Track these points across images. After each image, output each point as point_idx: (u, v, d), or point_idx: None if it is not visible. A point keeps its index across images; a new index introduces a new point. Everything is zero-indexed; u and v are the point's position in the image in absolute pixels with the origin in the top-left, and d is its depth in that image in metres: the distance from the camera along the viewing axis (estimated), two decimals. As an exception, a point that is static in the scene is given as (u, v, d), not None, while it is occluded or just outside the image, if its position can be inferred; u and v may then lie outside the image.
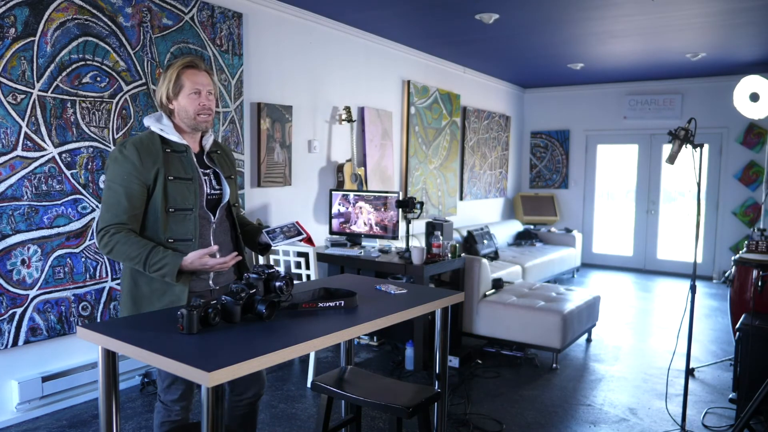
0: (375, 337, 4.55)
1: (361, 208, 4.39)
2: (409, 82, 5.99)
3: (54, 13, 3.09)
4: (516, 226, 7.98)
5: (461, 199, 7.29)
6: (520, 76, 7.73)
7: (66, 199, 3.20)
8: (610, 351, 4.57)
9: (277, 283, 1.80)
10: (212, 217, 2.09)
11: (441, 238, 4.22)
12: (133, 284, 2.02)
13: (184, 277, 1.96)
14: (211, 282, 2.10)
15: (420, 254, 3.89)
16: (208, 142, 2.15)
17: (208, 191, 2.09)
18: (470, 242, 6.25)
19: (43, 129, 3.08)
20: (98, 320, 3.38)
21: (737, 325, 3.27)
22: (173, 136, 2.03)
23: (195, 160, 2.07)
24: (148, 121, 2.06)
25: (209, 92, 2.05)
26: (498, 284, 4.68)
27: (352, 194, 4.44)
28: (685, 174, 7.70)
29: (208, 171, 2.11)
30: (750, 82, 4.76)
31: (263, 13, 4.35)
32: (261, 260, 3.79)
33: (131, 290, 2.02)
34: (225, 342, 1.54)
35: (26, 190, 3.03)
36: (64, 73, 3.15)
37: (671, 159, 3.12)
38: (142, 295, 2.00)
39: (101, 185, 3.35)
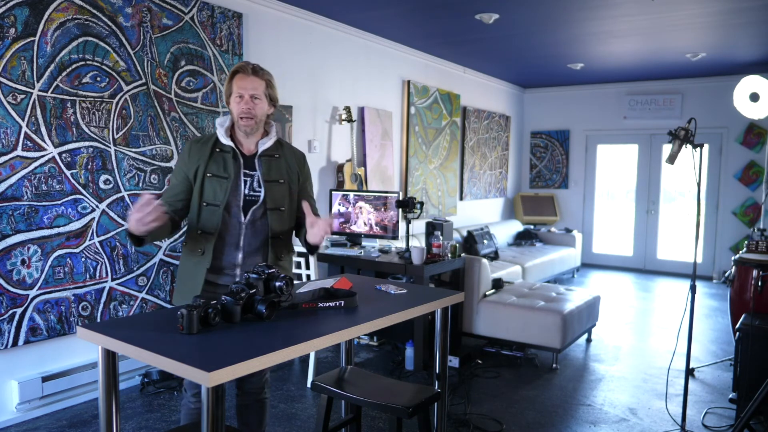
0: (375, 337, 4.55)
1: (361, 208, 4.39)
2: (409, 82, 5.99)
3: (54, 13, 3.09)
4: (516, 226, 7.98)
5: (461, 199, 7.29)
6: (520, 76, 7.73)
7: (66, 199, 3.20)
8: (610, 351, 4.57)
9: (277, 283, 1.80)
10: (242, 218, 2.15)
11: (441, 238, 4.22)
12: (180, 267, 2.23)
13: (147, 238, 1.96)
14: (237, 279, 2.17)
15: (420, 254, 3.89)
16: (264, 145, 2.19)
17: (247, 192, 2.15)
18: (470, 242, 6.24)
19: (43, 129, 3.08)
20: (98, 320, 3.38)
21: (737, 325, 3.27)
22: (222, 138, 2.16)
23: (241, 161, 2.16)
24: (217, 121, 2.22)
25: (253, 96, 2.10)
26: (498, 284, 4.68)
27: (352, 194, 4.44)
28: (685, 174, 7.69)
29: (253, 173, 2.17)
30: (750, 82, 4.76)
31: (263, 13, 4.35)
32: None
33: (178, 272, 2.23)
34: (225, 342, 1.54)
35: (26, 190, 3.03)
36: (64, 73, 3.15)
37: (671, 159, 3.12)
38: (178, 277, 2.21)
39: (101, 185, 3.36)
